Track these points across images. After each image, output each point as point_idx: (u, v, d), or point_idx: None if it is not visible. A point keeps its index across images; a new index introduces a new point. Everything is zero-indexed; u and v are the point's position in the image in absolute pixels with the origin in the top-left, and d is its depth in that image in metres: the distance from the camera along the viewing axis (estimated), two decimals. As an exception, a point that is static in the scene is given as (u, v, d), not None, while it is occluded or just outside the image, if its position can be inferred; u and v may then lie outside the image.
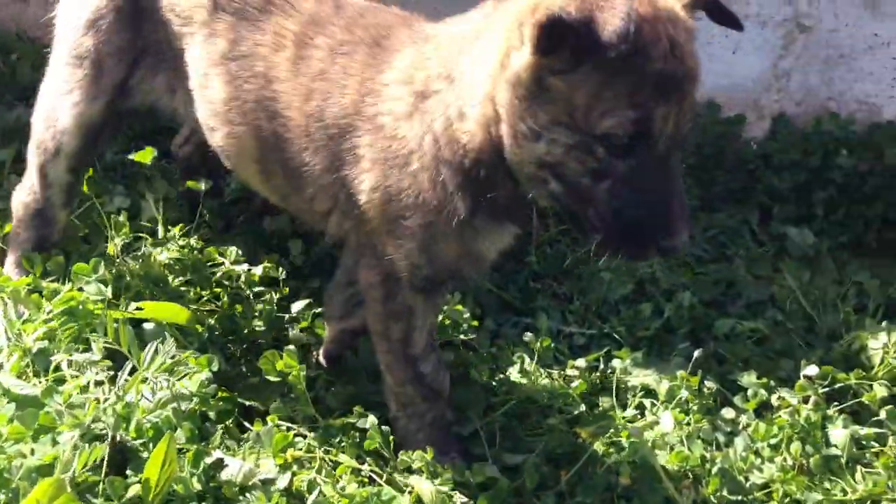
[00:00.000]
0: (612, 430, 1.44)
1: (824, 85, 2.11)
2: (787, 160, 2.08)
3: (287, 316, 1.56)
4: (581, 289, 1.78)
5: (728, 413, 1.52)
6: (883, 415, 1.51)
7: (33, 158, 1.55)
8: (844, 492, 1.39)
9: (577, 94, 1.07)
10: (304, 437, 1.32)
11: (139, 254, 1.59)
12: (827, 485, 1.39)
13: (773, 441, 1.44)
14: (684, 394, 1.51)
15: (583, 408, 1.50)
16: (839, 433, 1.45)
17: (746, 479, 1.39)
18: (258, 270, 1.59)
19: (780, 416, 1.50)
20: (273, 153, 1.32)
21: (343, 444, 1.30)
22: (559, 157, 1.10)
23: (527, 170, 1.14)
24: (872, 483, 1.38)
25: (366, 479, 1.27)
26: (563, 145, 1.09)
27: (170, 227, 1.66)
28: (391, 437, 1.31)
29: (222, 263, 1.58)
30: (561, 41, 1.06)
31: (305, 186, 1.31)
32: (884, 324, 1.71)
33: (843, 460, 1.42)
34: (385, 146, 1.22)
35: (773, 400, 1.55)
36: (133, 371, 1.26)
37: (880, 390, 1.53)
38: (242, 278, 1.57)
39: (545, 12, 1.05)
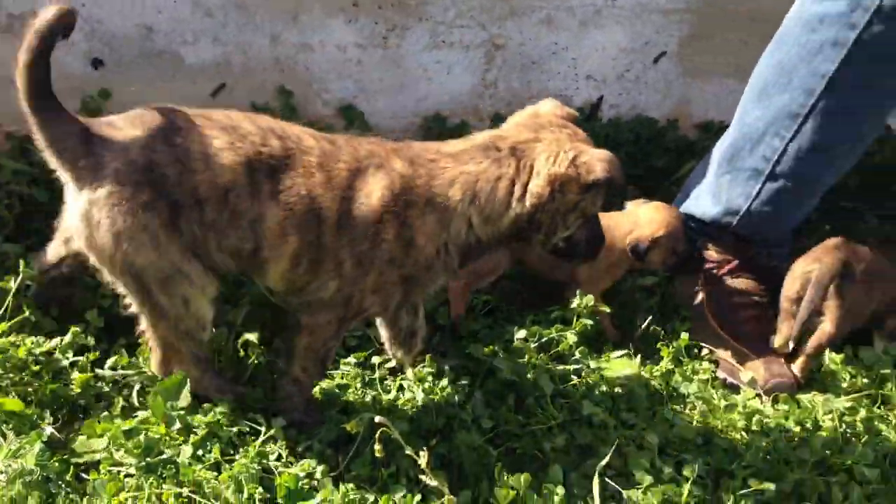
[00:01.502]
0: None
1: (525, 87, 2.58)
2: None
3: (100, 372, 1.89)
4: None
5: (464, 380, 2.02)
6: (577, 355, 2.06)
7: None
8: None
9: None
10: (132, 475, 1.68)
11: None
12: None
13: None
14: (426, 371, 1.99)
15: (352, 397, 1.94)
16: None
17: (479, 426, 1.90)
18: (68, 338, 1.90)
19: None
20: (308, 250, 1.68)
21: (165, 475, 1.66)
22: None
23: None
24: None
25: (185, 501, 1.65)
26: None
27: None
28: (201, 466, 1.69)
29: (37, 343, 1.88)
30: None
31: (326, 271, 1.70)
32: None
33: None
34: None
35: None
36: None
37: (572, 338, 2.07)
38: (56, 352, 1.88)
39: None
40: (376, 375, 2.00)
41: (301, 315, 1.77)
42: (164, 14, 2.27)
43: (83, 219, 1.61)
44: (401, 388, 1.98)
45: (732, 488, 1.80)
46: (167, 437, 1.72)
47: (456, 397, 1.96)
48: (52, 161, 1.61)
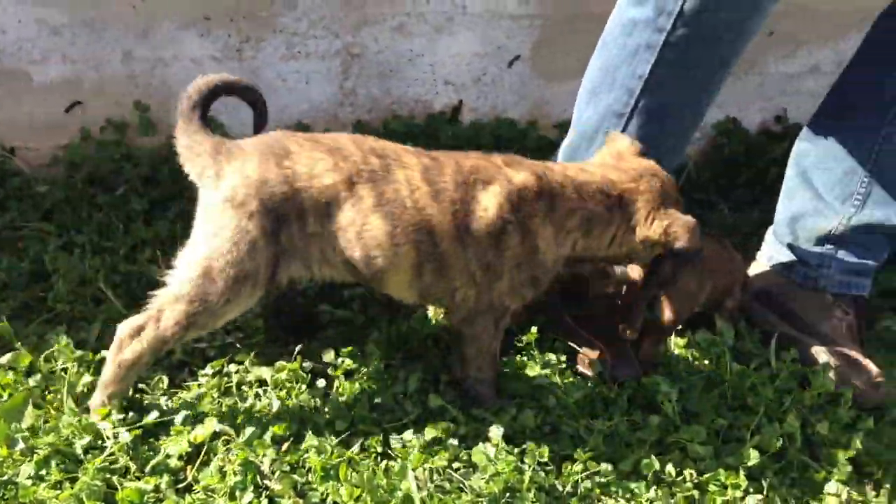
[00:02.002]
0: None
1: (385, 94, 2.65)
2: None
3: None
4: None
5: (321, 382, 2.07)
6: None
7: None
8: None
9: None
10: None
11: None
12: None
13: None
14: (283, 376, 2.04)
15: (208, 407, 1.97)
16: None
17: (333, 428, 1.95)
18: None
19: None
20: (428, 259, 1.87)
21: (6, 497, 1.67)
22: None
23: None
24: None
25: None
26: None
27: None
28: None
29: None
30: None
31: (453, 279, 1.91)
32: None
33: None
34: None
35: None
36: None
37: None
38: None
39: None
40: (233, 382, 2.04)
41: (462, 328, 2.00)
42: (9, 34, 2.26)
43: (203, 216, 1.85)
44: (257, 396, 2.02)
45: (573, 472, 1.90)
46: (10, 459, 1.73)
47: (312, 401, 2.01)
48: (186, 165, 1.88)
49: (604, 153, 2.04)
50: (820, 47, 2.89)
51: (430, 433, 1.94)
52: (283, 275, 1.87)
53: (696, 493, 1.87)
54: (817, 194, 2.33)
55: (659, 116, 2.07)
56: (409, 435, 1.94)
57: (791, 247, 2.38)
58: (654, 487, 1.87)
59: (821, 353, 2.20)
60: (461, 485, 1.85)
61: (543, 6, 2.61)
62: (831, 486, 1.94)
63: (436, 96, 2.69)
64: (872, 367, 2.18)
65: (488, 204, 1.86)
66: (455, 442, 1.94)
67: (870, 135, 2.23)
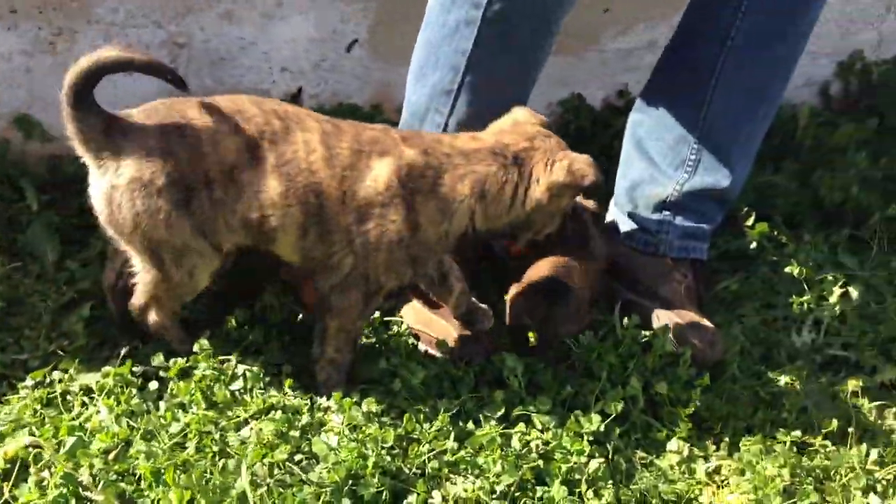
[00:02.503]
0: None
1: (219, 84, 2.55)
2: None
3: None
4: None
5: (153, 385, 1.98)
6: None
7: None
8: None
9: None
10: None
11: None
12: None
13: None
14: (111, 382, 1.94)
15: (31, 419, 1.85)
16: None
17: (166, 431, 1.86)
18: None
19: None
20: (313, 221, 1.88)
21: None
22: None
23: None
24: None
25: None
26: None
27: None
28: None
29: None
30: None
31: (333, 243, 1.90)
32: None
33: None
34: None
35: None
36: None
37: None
38: None
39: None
40: (57, 392, 1.92)
41: (331, 298, 1.96)
42: None
43: (105, 200, 1.83)
44: (84, 405, 1.91)
45: (420, 453, 1.87)
46: None
47: (144, 405, 1.92)
48: (79, 149, 1.83)
49: (501, 122, 2.01)
50: (656, 23, 2.95)
51: (269, 427, 1.88)
52: (219, 242, 1.89)
53: (541, 462, 1.87)
54: (652, 162, 2.37)
55: (486, 92, 2.07)
56: (246, 431, 1.88)
57: (631, 215, 2.42)
58: (501, 461, 1.86)
59: (661, 316, 2.24)
60: (302, 477, 1.79)
61: (376, -12, 2.59)
62: (672, 444, 1.98)
63: (273, 84, 2.61)
64: (710, 326, 2.23)
65: (379, 174, 1.86)
66: (297, 434, 1.88)
67: (695, 104, 2.29)
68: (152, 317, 2.01)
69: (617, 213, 2.47)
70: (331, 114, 2.66)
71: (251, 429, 1.89)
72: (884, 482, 1.90)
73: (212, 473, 1.76)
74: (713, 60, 2.24)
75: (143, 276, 1.95)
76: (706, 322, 2.24)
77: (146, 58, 1.89)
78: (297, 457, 1.84)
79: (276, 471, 1.81)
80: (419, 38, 2.13)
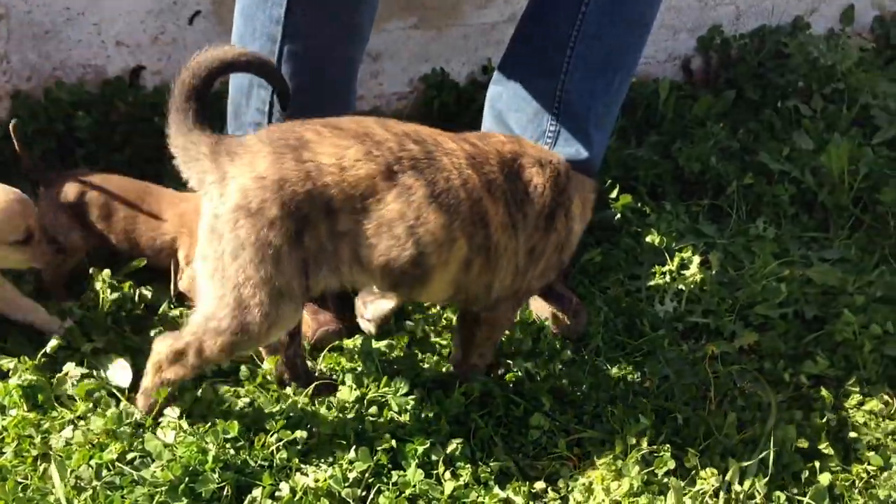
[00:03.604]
0: None
1: (44, 59, 2.34)
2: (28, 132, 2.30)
3: None
4: None
5: None
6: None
7: None
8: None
9: None
10: None
11: None
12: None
13: None
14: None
15: None
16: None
17: None
18: None
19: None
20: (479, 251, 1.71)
21: None
22: None
23: None
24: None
25: None
26: None
27: None
28: None
29: None
30: None
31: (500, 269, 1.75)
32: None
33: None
34: None
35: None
36: None
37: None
38: None
39: None
40: None
41: (482, 315, 1.85)
42: None
43: (208, 231, 1.61)
44: None
45: (268, 444, 1.75)
46: None
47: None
48: (183, 168, 1.63)
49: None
50: (516, -4, 2.91)
51: (97, 426, 1.72)
52: (315, 285, 1.66)
53: (395, 443, 1.78)
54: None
55: (307, 63, 1.94)
56: (69, 432, 1.71)
57: None
58: (355, 448, 1.76)
59: None
60: (134, 477, 1.65)
61: (217, -45, 2.43)
62: (535, 419, 1.92)
63: (108, 60, 2.42)
64: (573, 298, 2.19)
65: (537, 183, 1.77)
66: (129, 430, 1.73)
67: (552, 74, 2.24)
68: (177, 370, 1.71)
69: None
70: (175, 91, 2.51)
71: (76, 429, 1.73)
72: (741, 446, 1.89)
73: (30, 479, 1.60)
74: (568, 29, 2.20)
75: (203, 317, 1.65)
76: (571, 294, 2.20)
77: (259, 57, 1.73)
78: (130, 455, 1.70)
79: (104, 472, 1.66)
80: (236, 9, 1.99)
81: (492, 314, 1.87)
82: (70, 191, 2.04)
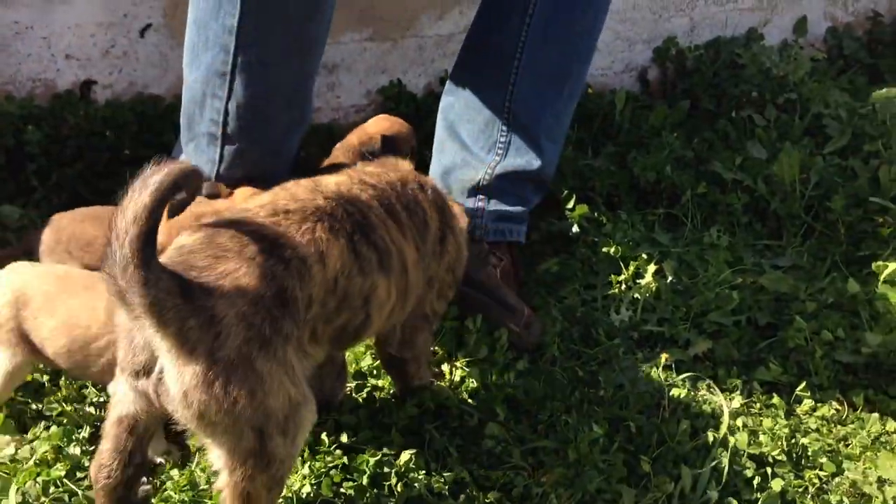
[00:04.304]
0: None
1: (-6, 72, 2.33)
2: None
3: None
4: None
5: None
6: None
7: None
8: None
9: None
10: None
11: None
12: None
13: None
14: None
15: None
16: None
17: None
18: None
19: None
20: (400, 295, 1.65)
21: None
22: None
23: None
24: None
25: None
26: None
27: None
28: None
29: None
30: None
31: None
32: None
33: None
34: None
35: None
36: None
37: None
38: None
39: None
40: None
41: (403, 353, 1.85)
42: None
43: (201, 386, 1.32)
44: None
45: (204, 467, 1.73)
46: None
47: None
48: (152, 329, 1.30)
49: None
50: (473, 7, 2.92)
51: (44, 445, 1.70)
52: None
53: (346, 459, 1.77)
54: (464, 146, 2.32)
55: (262, 73, 1.94)
56: (11, 449, 1.68)
57: None
58: (308, 462, 1.75)
59: (476, 302, 2.19)
60: (79, 494, 1.62)
61: (168, -33, 2.42)
62: (489, 429, 1.92)
63: (58, 73, 2.40)
64: (525, 310, 2.20)
65: (426, 209, 1.74)
66: (77, 451, 1.71)
67: (501, 84, 2.26)
68: None
69: None
70: (128, 106, 2.50)
71: (24, 446, 1.70)
72: (694, 453, 1.90)
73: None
74: (515, 39, 2.22)
75: (227, 482, 1.43)
76: (523, 305, 2.21)
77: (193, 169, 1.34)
78: (80, 473, 1.67)
79: (51, 489, 1.63)
80: (188, 18, 1.99)
81: (412, 352, 1.86)
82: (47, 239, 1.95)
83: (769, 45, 3.41)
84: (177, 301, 1.29)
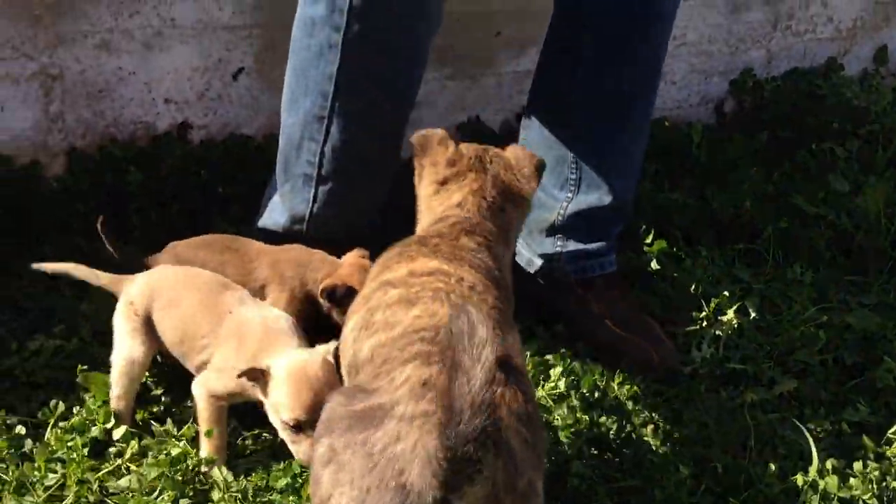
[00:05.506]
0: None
1: (98, 117, 2.44)
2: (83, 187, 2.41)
3: None
4: None
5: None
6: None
7: None
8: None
9: None
10: None
11: None
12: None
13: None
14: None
15: None
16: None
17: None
18: None
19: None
20: None
21: None
22: None
23: None
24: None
25: None
26: None
27: None
28: None
29: None
30: None
31: None
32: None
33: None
34: None
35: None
36: None
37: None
38: None
39: None
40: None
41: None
42: None
43: None
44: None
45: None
46: None
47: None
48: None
49: None
50: (548, 45, 2.97)
51: (152, 472, 1.78)
52: None
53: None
54: (539, 185, 2.35)
55: (359, 118, 2.02)
56: (125, 481, 1.77)
57: (525, 244, 2.38)
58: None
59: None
60: None
61: (260, 14, 2.52)
62: (575, 467, 1.93)
63: (157, 117, 2.51)
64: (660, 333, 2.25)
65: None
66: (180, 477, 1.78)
67: (562, 124, 2.28)
68: None
69: (525, 248, 2.41)
70: (222, 146, 2.60)
71: (133, 475, 1.79)
72: (782, 495, 1.89)
73: (87, 528, 1.66)
74: (568, 77, 2.24)
75: None
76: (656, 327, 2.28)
77: None
78: (183, 501, 1.75)
79: (156, 517, 1.71)
80: (288, 65, 2.08)
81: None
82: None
83: (849, 75, 3.37)
84: None
